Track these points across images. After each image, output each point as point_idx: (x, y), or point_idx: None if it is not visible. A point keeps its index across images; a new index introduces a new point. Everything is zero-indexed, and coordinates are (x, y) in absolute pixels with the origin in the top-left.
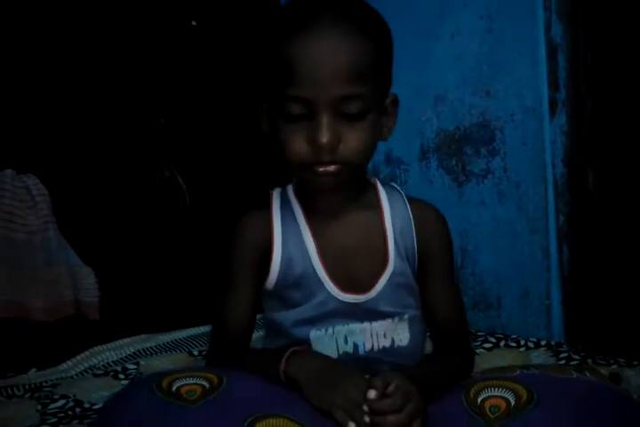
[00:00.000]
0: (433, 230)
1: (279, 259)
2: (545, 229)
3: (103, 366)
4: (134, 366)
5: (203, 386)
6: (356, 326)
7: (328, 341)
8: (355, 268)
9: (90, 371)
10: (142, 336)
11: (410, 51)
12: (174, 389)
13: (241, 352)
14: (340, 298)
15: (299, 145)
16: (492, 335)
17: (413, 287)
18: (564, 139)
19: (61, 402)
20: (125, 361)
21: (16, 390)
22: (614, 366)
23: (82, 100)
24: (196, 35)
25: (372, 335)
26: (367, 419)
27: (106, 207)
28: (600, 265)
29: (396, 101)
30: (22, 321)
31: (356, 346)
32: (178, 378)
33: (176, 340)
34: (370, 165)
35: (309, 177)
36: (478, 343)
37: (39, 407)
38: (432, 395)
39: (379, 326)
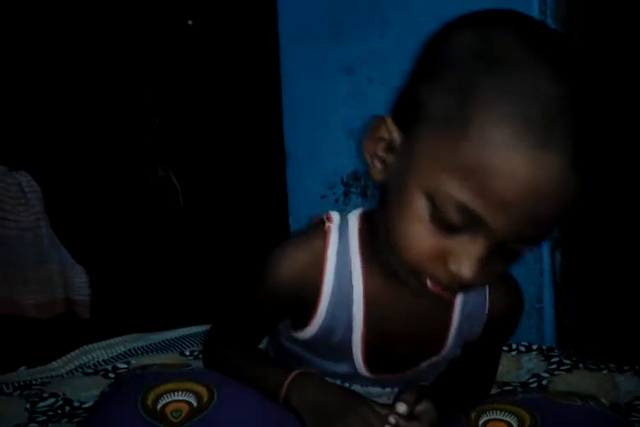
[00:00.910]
0: (505, 316)
1: (319, 324)
2: None
3: (93, 364)
4: (125, 366)
5: (190, 404)
6: (376, 390)
7: None
8: (399, 351)
9: (80, 370)
10: (133, 335)
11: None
12: (159, 407)
13: (243, 355)
14: (366, 375)
15: (430, 252)
16: None
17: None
18: None
19: (51, 400)
20: (116, 360)
21: (5, 388)
22: (605, 371)
23: (76, 97)
24: (192, 34)
25: (388, 396)
26: None
27: (98, 206)
28: (592, 270)
29: None
30: (12, 319)
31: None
32: (166, 393)
33: (168, 340)
34: (364, 168)
35: (410, 279)
36: None
37: (28, 406)
38: (447, 417)
39: (399, 388)
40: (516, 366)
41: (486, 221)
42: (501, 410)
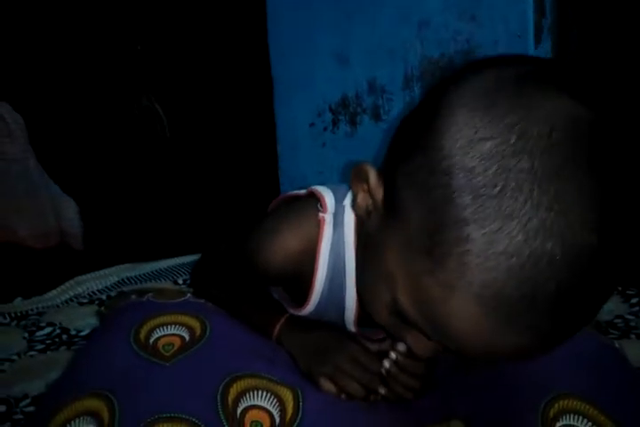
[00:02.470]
0: None
1: (310, 310)
2: None
3: (88, 294)
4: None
5: (182, 338)
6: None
7: None
8: None
9: (75, 300)
10: (126, 265)
11: None
12: (152, 341)
13: (233, 289)
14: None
15: (386, 324)
16: None
17: None
18: None
19: (48, 329)
20: (110, 290)
21: (2, 319)
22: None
23: (55, 24)
24: None
25: None
26: (382, 390)
27: (83, 137)
28: None
29: None
30: (6, 250)
31: None
32: (159, 326)
33: (160, 269)
34: (353, 94)
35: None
36: None
37: (26, 335)
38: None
39: None
40: None
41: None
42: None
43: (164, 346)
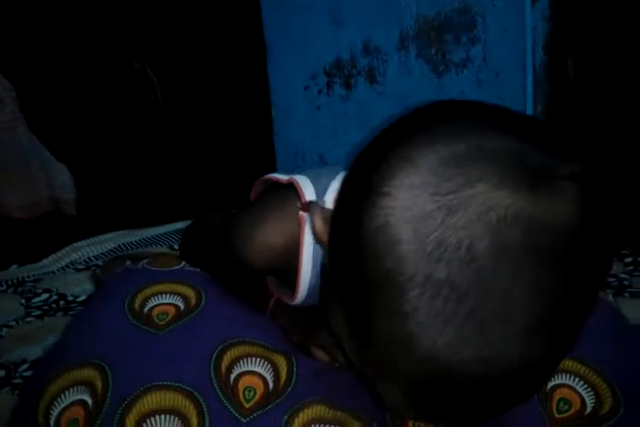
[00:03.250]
0: None
1: (299, 302)
2: None
3: (84, 260)
4: None
5: (177, 307)
6: None
7: None
8: None
9: (71, 266)
10: (123, 231)
11: None
12: (146, 310)
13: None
14: None
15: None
16: None
17: None
18: (545, 25)
19: (45, 296)
20: (106, 256)
21: None
22: None
23: None
24: None
25: None
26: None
27: (74, 102)
28: None
29: None
30: (1, 219)
31: None
32: (154, 295)
33: (157, 235)
34: (347, 56)
35: None
36: None
37: (23, 301)
38: None
39: None
40: None
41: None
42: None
43: (158, 315)
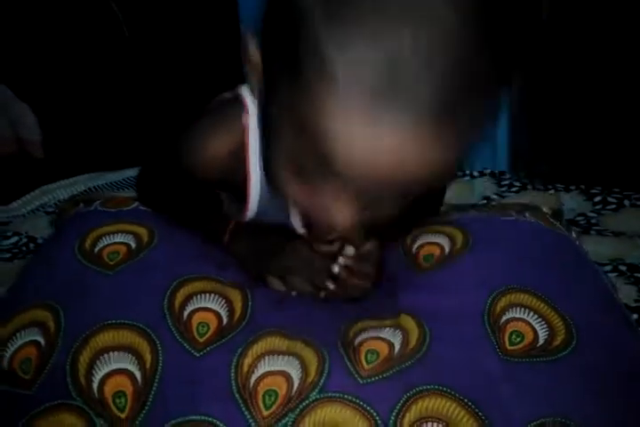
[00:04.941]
0: None
1: (253, 212)
2: None
3: (54, 203)
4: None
5: (128, 246)
6: None
7: None
8: None
9: (41, 209)
10: (93, 174)
11: None
12: (97, 250)
13: (181, 191)
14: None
15: (302, 201)
16: None
17: None
18: None
19: (14, 239)
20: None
21: None
22: (552, 191)
23: None
24: None
25: None
26: (331, 286)
27: (36, 39)
28: (546, 94)
29: None
30: None
31: None
32: (105, 235)
33: (126, 178)
34: None
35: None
36: None
37: None
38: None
39: None
40: (467, 190)
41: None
42: (434, 232)
43: (108, 255)
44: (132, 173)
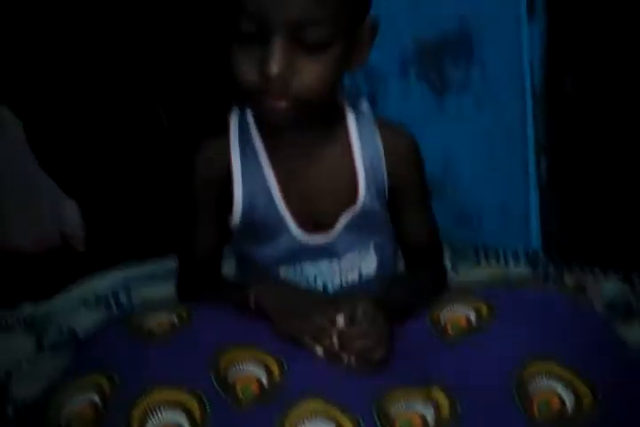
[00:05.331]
0: (403, 158)
1: (240, 197)
2: (523, 139)
3: (95, 296)
4: (126, 296)
5: (171, 321)
6: (323, 264)
7: (298, 280)
8: (321, 205)
9: (82, 302)
10: (131, 265)
11: None
12: (144, 325)
13: (212, 283)
14: (304, 240)
15: (248, 71)
16: (472, 250)
17: (382, 219)
18: (542, 44)
19: (55, 334)
20: (116, 290)
21: (9, 323)
22: (589, 279)
23: (53, 26)
24: None
25: (340, 272)
26: (336, 346)
27: (84, 138)
28: (578, 175)
29: (375, 28)
30: (9, 255)
31: (325, 285)
32: (148, 315)
33: (166, 268)
34: (348, 81)
35: (259, 109)
36: (459, 260)
37: (33, 339)
38: (400, 315)
39: (346, 260)
40: (502, 274)
41: (261, 14)
42: (460, 305)
43: (156, 327)
44: (171, 263)
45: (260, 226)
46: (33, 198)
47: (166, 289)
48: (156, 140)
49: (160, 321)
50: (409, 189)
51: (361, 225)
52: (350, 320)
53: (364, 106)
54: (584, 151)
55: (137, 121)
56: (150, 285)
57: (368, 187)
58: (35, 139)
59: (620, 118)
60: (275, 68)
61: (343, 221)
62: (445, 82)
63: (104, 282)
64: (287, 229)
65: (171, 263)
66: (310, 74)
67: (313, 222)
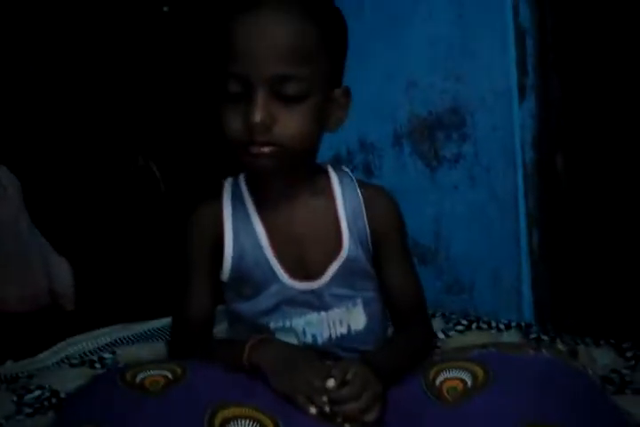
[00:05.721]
0: (383, 213)
1: (231, 251)
2: (515, 212)
3: (79, 355)
4: (111, 356)
5: (166, 377)
6: (312, 317)
7: (287, 333)
8: (308, 255)
9: (66, 361)
10: (118, 326)
11: (381, 35)
12: (138, 380)
13: (204, 343)
14: (293, 287)
15: (235, 125)
16: (464, 318)
17: (368, 271)
18: (533, 123)
19: (37, 393)
20: (102, 351)
21: None
22: (581, 346)
23: (52, 86)
24: (168, 21)
25: (329, 325)
26: (327, 408)
27: (79, 196)
28: (569, 247)
29: (347, 93)
30: None
31: (314, 337)
32: (142, 370)
33: (153, 329)
34: (344, 151)
35: (247, 159)
36: (451, 326)
37: (15, 398)
38: (392, 378)
39: (335, 314)
40: (494, 340)
41: (244, 74)
42: (457, 367)
43: (150, 383)
44: (157, 324)
45: (250, 277)
46: (23, 255)
47: (151, 350)
48: (150, 203)
49: (154, 377)
50: (392, 244)
51: (348, 275)
52: (342, 383)
53: (345, 168)
54: (575, 224)
55: (133, 183)
56: (135, 346)
57: (351, 234)
58: (30, 196)
59: (608, 192)
60: (257, 116)
61: (331, 269)
62: (438, 156)
63: (90, 342)
64: (277, 278)
65: (157, 325)
66: (289, 122)
67: (303, 272)
